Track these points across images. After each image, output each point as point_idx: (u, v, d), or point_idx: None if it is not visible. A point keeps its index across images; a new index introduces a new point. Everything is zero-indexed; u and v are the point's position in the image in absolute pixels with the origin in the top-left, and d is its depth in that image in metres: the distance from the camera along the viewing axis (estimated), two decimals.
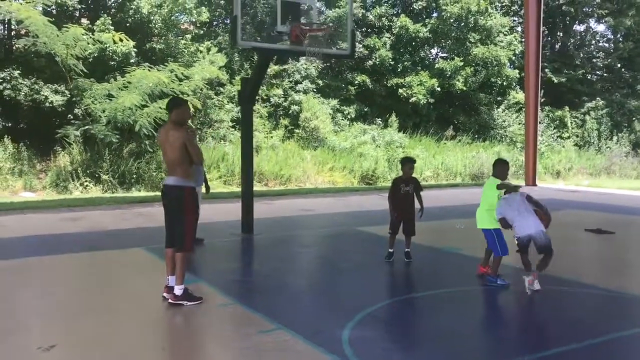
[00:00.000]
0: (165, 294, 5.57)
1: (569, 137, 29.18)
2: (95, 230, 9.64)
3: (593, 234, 10.13)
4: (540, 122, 27.85)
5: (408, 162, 7.47)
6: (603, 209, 13.82)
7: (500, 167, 6.67)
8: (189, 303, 5.46)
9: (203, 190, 8.56)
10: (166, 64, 18.20)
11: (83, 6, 20.38)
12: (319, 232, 10.24)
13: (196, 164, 5.64)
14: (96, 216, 11.18)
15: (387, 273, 7.13)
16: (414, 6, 28.23)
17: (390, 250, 7.48)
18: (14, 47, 19.05)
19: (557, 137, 28.82)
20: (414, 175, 7.53)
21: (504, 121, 28.55)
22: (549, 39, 34.46)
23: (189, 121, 5.89)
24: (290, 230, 10.23)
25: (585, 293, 6.25)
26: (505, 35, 29.36)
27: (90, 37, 17.13)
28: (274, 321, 5.02)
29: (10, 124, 17.65)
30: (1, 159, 16.07)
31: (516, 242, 6.09)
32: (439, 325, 5.16)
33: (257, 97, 23.11)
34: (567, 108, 29.90)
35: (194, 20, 22.37)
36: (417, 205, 7.35)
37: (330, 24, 8.36)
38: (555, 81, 30.45)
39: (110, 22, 18.78)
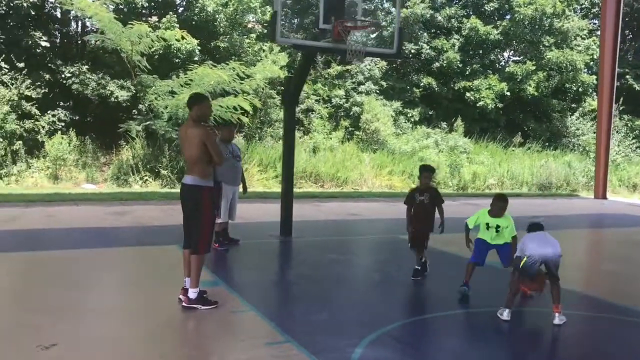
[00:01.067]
0: (181, 296, 5.44)
1: None
2: (137, 226, 9.73)
3: None
4: (617, 132, 26.33)
5: (425, 171, 6.90)
6: None
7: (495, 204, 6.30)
8: (202, 307, 5.30)
9: (240, 189, 8.41)
10: (228, 62, 18.34)
11: (152, 3, 20.90)
12: (359, 239, 9.93)
13: (216, 164, 5.45)
14: (144, 211, 11.31)
15: (418, 287, 6.74)
16: (486, 7, 27.26)
17: (417, 267, 6.95)
18: (84, 43, 19.73)
19: (637, 147, 27.07)
20: (432, 184, 7.14)
21: (578, 129, 27.12)
22: (633, 44, 32.47)
23: (209, 119, 5.68)
24: (330, 234, 9.96)
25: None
26: (583, 39, 27.91)
27: (155, 35, 17.46)
28: (285, 333, 4.78)
29: (77, 117, 18.28)
30: (66, 150, 16.63)
31: (522, 262, 5.27)
32: (462, 349, 4.77)
33: (318, 98, 23.04)
34: None
35: (259, 19, 22.48)
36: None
37: (374, 21, 7.92)
38: (638, 88, 28.61)
39: (176, 20, 19.16)
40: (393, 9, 25.61)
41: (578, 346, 5.06)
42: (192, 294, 5.31)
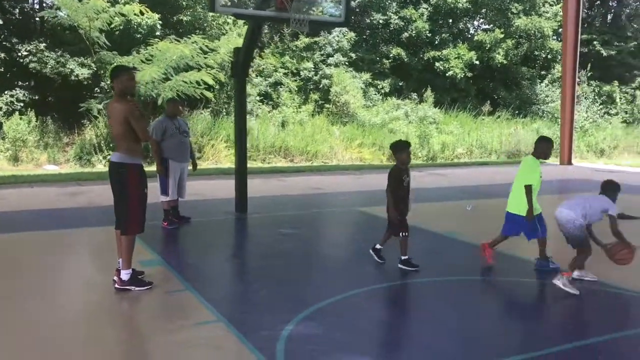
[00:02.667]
0: (115, 277, 5.33)
1: (617, 114, 27.59)
2: (87, 207, 9.54)
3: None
4: (585, 98, 26.48)
5: (406, 148, 6.10)
6: (637, 191, 12.86)
7: (542, 146, 6.18)
8: (136, 288, 5.20)
9: (190, 167, 8.25)
10: (190, 36, 17.97)
11: None
12: (317, 213, 9.85)
13: (142, 140, 5.25)
14: (101, 191, 11.07)
15: (365, 260, 6.70)
16: None
17: (378, 246, 6.40)
18: (42, 20, 19.19)
19: (604, 113, 27.28)
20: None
21: (547, 96, 27.22)
22: (601, 9, 32.55)
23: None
24: (287, 210, 9.86)
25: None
26: (551, 5, 27.86)
27: (113, 10, 16.99)
28: (218, 313, 4.71)
29: (37, 97, 17.85)
30: (25, 131, 16.25)
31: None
32: (398, 321, 4.76)
33: (286, 71, 22.72)
34: (616, 83, 28.21)
35: None
36: None
37: None
38: (605, 54, 28.76)
39: None
40: None
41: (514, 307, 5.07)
42: (125, 275, 5.20)
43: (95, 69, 17.69)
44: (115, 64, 16.60)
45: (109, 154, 16.53)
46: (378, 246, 6.44)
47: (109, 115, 5.26)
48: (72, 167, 16.31)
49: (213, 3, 7.09)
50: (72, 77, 17.63)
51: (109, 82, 16.87)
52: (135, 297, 5.09)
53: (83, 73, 17.71)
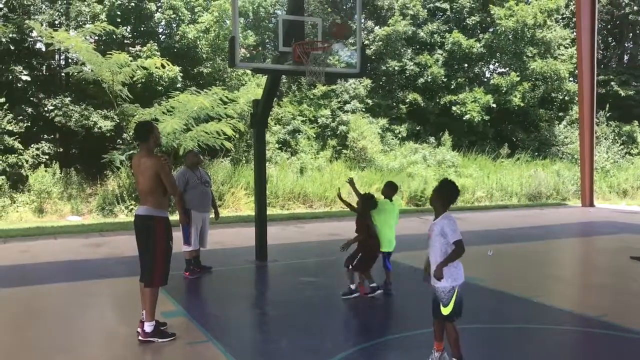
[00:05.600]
0: (139, 329, 5.36)
1: (638, 154, 27.35)
2: (110, 257, 9.65)
3: (638, 261, 9.22)
4: (605, 138, 26.36)
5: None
6: None
7: (384, 188, 7.01)
8: (159, 340, 5.23)
9: (212, 215, 8.35)
10: (211, 87, 18.40)
11: (135, 33, 21.05)
12: (336, 260, 9.80)
13: (171, 195, 5.41)
14: (123, 241, 11.22)
15: (389, 309, 6.67)
16: (467, 21, 27.49)
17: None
18: (67, 76, 19.82)
19: (625, 153, 27.07)
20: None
21: (566, 137, 27.13)
22: (617, 50, 32.70)
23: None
24: (306, 257, 9.87)
25: (595, 333, 5.55)
26: (566, 48, 28.06)
27: (135, 64, 17.53)
28: None
29: (61, 150, 18.30)
30: (50, 183, 16.59)
31: (453, 295, 4.47)
32: None
33: (304, 119, 23.06)
34: (636, 122, 28.08)
35: (241, 43, 22.60)
36: None
37: (331, 42, 7.92)
38: (623, 94, 28.71)
39: (157, 49, 19.30)
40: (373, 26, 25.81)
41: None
42: (148, 327, 5.23)
43: (117, 121, 18.13)
44: (137, 116, 17.06)
45: (131, 204, 16.80)
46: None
47: (136, 169, 5.37)
48: (94, 217, 16.53)
49: (233, 58, 7.31)
50: (96, 130, 18.09)
51: (132, 134, 17.29)
52: (159, 349, 5.11)
53: (106, 125, 18.17)
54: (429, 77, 25.82)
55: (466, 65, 27.51)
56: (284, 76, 23.79)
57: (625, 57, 32.84)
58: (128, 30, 20.65)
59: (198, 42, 20.54)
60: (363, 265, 6.83)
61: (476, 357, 4.87)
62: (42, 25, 18.02)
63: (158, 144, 5.45)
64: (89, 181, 18.38)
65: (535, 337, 5.53)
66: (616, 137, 27.35)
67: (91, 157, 18.34)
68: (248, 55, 22.81)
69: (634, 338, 5.39)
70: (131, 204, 16.82)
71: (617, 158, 26.30)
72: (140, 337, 5.26)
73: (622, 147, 27.09)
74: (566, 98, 27.76)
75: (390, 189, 7.09)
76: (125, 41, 20.52)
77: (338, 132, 23.33)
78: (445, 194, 4.54)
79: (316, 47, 7.55)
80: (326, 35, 8.21)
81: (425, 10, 27.26)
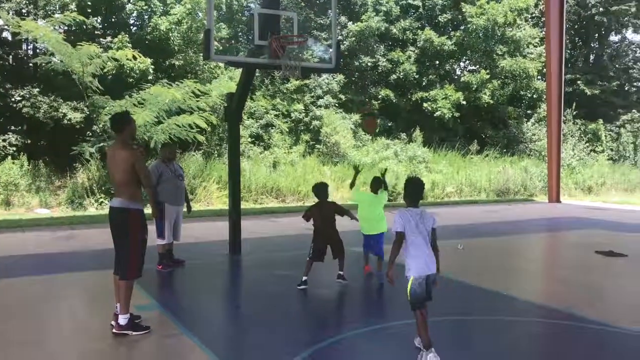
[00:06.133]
0: (113, 322, 5.35)
1: (603, 151, 28.09)
2: (82, 251, 9.55)
3: (603, 256, 9.51)
4: (572, 136, 26.97)
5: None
6: (625, 229, 13.07)
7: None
8: (134, 333, 5.22)
9: (185, 209, 8.34)
10: (183, 80, 18.24)
11: (105, 24, 20.75)
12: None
13: (146, 187, 5.39)
14: (93, 235, 11.11)
15: (363, 301, 6.77)
16: (439, 19, 27.79)
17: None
18: (35, 66, 19.42)
19: (591, 150, 27.77)
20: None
21: (534, 135, 27.71)
22: (583, 50, 33.44)
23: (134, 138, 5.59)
24: (281, 250, 9.93)
25: (561, 325, 5.74)
26: (535, 46, 28.60)
27: (106, 55, 17.28)
28: (217, 356, 4.73)
29: (29, 141, 17.94)
30: (17, 175, 16.28)
31: (408, 285, 4.66)
32: None
33: (277, 113, 23.04)
34: (601, 121, 28.85)
35: (214, 36, 22.46)
36: None
37: (308, 36, 7.98)
38: (589, 93, 29.43)
39: (129, 40, 19.04)
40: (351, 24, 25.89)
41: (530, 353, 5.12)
42: (122, 320, 5.22)
43: (88, 113, 17.86)
44: (107, 108, 16.83)
45: (101, 197, 16.59)
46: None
47: (111, 161, 5.34)
48: (64, 210, 16.27)
49: (208, 51, 7.30)
50: (65, 121, 17.79)
51: (102, 126, 17.07)
52: (133, 342, 5.11)
53: (76, 117, 17.87)
54: (401, 74, 26.06)
55: (437, 62, 27.84)
56: (257, 70, 23.90)
57: (591, 57, 33.61)
58: (99, 21, 20.36)
59: (170, 34, 20.33)
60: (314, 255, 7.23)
61: (448, 347, 4.99)
62: (8, 13, 17.61)
63: (133, 136, 5.43)
64: (57, 174, 18.06)
65: (504, 328, 5.68)
66: (582, 135, 28.01)
67: (60, 149, 18.02)
68: (221, 48, 22.68)
69: (597, 329, 5.58)
70: (101, 197, 16.62)
71: (583, 155, 26.95)
72: (114, 330, 5.24)
73: (587, 144, 27.76)
74: (534, 96, 28.33)
75: (375, 184, 7.87)
76: (96, 32, 20.21)
77: (311, 126, 23.38)
78: (406, 190, 4.88)
79: (292, 42, 7.58)
80: (301, 29, 8.25)
81: (398, 7, 27.46)
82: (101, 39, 19.35)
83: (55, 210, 16.39)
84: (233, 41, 25.57)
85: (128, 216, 5.22)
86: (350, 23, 26.23)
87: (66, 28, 19.34)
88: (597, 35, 33.14)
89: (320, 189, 7.36)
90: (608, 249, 9.97)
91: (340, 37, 24.87)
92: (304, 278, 7.12)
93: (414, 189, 4.88)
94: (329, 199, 7.59)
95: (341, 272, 7.34)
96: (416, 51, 26.97)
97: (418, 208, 4.83)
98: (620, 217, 15.46)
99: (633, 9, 30.49)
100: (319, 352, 4.85)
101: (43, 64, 17.69)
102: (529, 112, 29.02)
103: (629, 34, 33.27)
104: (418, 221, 4.71)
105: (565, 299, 6.76)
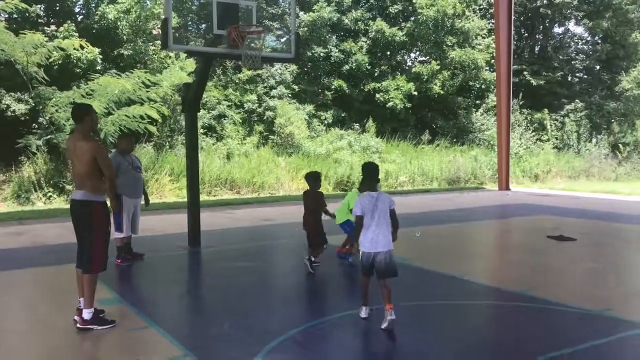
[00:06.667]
0: (76, 317, 5.22)
1: (548, 140, 29.01)
2: (34, 246, 9.25)
3: (555, 240, 9.87)
4: (519, 125, 27.76)
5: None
6: (572, 214, 13.59)
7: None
8: (98, 327, 5.11)
9: (143, 202, 8.18)
10: (133, 70, 17.82)
11: (49, 12, 20.02)
12: (269, 245, 9.92)
13: (108, 178, 5.26)
14: (44, 230, 10.78)
15: (325, 290, 6.83)
16: (390, 10, 28.01)
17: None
18: None
19: (537, 139, 28.65)
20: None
21: (483, 125, 28.36)
22: (529, 41, 34.38)
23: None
24: (240, 242, 9.88)
25: (524, 307, 5.95)
26: (483, 38, 29.23)
27: (52, 44, 16.69)
28: (184, 347, 4.69)
29: None
30: None
31: (360, 257, 5.34)
32: (363, 347, 4.87)
33: (230, 104, 22.82)
34: (546, 110, 29.77)
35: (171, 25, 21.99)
36: None
37: (266, 26, 7.94)
38: (534, 84, 30.32)
39: (75, 29, 18.45)
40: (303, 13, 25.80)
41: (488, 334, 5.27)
42: (87, 314, 5.11)
43: (33, 104, 17.23)
44: (54, 99, 16.30)
45: (49, 192, 16.09)
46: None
47: (72, 153, 5.20)
48: (10, 205, 15.69)
49: (166, 41, 7.16)
50: (9, 113, 17.10)
51: (48, 117, 16.52)
52: (99, 336, 5.00)
53: (20, 109, 17.20)
54: (354, 64, 26.18)
55: (389, 53, 28.10)
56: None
57: (537, 48, 34.58)
58: (42, 8, 19.62)
59: (118, 23, 19.79)
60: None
61: (409, 332, 5.11)
62: None
63: (94, 128, 5.30)
64: (2, 167, 17.38)
65: (463, 312, 5.84)
66: (528, 125, 28.85)
67: (4, 142, 17.32)
68: (177, 36, 22.23)
69: (552, 309, 5.81)
70: (49, 191, 16.10)
71: (529, 144, 27.77)
72: (78, 325, 5.12)
73: (533, 133, 28.60)
74: (482, 87, 28.96)
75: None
76: (40, 20, 19.47)
77: (265, 117, 23.26)
78: (363, 174, 5.50)
79: (251, 31, 7.51)
80: (260, 19, 8.19)
81: None
82: (46, 28, 18.65)
83: (1, 205, 15.79)
84: (182, 30, 25.12)
85: (91, 209, 5.10)
86: (302, 13, 26.16)
87: (7, 16, 18.56)
88: (541, 27, 34.13)
89: (309, 178, 7.64)
90: (558, 233, 10.35)
91: (278, 28, 24.78)
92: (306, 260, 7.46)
93: (369, 172, 5.39)
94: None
95: (313, 258, 7.45)
96: (368, 42, 27.13)
97: (376, 192, 5.27)
98: (566, 203, 16.05)
99: (575, 2, 31.52)
100: (286, 341, 4.87)
101: None
102: (477, 102, 29.66)
103: (572, 26, 34.40)
104: (375, 204, 5.16)
105: (519, 282, 6.99)
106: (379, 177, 5.52)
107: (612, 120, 31.22)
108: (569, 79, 33.54)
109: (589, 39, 34.55)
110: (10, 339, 5.00)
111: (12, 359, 4.54)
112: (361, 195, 5.28)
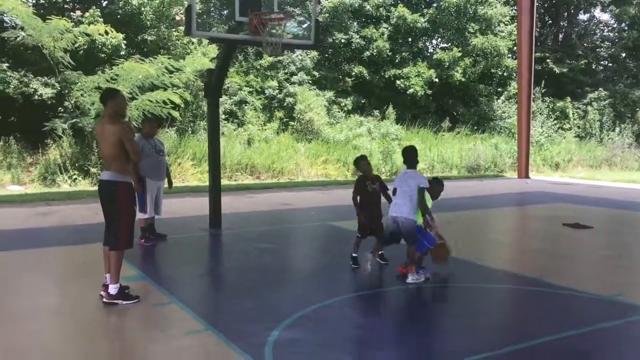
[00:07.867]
0: (102, 292, 5.47)
1: (570, 129, 28.75)
2: (62, 225, 9.57)
3: (570, 228, 9.92)
4: (540, 113, 27.54)
5: (362, 159, 6.88)
6: (590, 203, 13.57)
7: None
8: (124, 302, 5.36)
9: (166, 184, 8.42)
10: (156, 56, 18.07)
11: None
12: (288, 228, 10.12)
13: (134, 160, 5.49)
14: (71, 211, 11.12)
15: (340, 271, 6.99)
16: None
17: (355, 254, 6.90)
18: (3, 40, 18.98)
19: (558, 128, 28.40)
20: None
21: (504, 112, 28.18)
22: (552, 29, 33.95)
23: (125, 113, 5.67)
24: (260, 225, 10.10)
25: (536, 292, 6.06)
26: (506, 25, 28.98)
27: (78, 30, 17.00)
28: (206, 322, 4.91)
29: None
30: None
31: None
32: (377, 324, 5.05)
33: (251, 90, 23.02)
34: (569, 99, 29.44)
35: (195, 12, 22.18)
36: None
37: (289, 13, 8.05)
38: (557, 72, 30.00)
39: (100, 15, 18.74)
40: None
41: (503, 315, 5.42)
42: (113, 289, 5.36)
43: (59, 88, 17.60)
44: (79, 84, 16.64)
45: (75, 174, 16.47)
46: (354, 254, 6.91)
47: (99, 135, 5.43)
48: (36, 187, 16.11)
49: (189, 27, 7.34)
50: (36, 97, 17.51)
51: (73, 101, 16.88)
52: (124, 311, 5.25)
53: (47, 93, 17.60)
54: (375, 51, 26.17)
55: (410, 39, 28.01)
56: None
57: (560, 36, 34.15)
58: None
59: (142, 9, 20.03)
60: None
61: (429, 312, 5.28)
62: None
63: (121, 113, 5.50)
64: (29, 150, 17.83)
65: (479, 294, 5.98)
66: (550, 113, 28.60)
67: (32, 126, 17.75)
68: (200, 22, 22.43)
69: (565, 294, 5.92)
70: (74, 174, 16.49)
71: (551, 132, 27.56)
72: (104, 299, 5.37)
73: (555, 122, 28.36)
74: (505, 74, 28.74)
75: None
76: (66, 6, 19.80)
77: (285, 103, 23.42)
78: (402, 155, 6.70)
79: (273, 18, 7.65)
80: (281, 5, 8.32)
81: None
82: (72, 14, 18.97)
83: (28, 187, 16.22)
84: (205, 16, 25.31)
85: (117, 188, 5.34)
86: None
87: (34, 2, 18.92)
88: (566, 13, 33.66)
89: (359, 162, 6.91)
90: (574, 221, 10.39)
91: (300, 15, 24.82)
92: (354, 255, 6.91)
93: (405, 154, 6.57)
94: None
95: (380, 252, 6.99)
96: (389, 28, 27.08)
97: (408, 170, 6.49)
98: (585, 192, 16.00)
99: None
100: (302, 318, 5.07)
101: (12, 38, 17.29)
102: (499, 89, 29.45)
103: (597, 13, 33.88)
104: (401, 179, 6.43)
105: (535, 268, 7.10)
106: (415, 158, 6.47)
107: (637, 109, 30.77)
108: (593, 67, 33.07)
109: (615, 25, 33.99)
110: (43, 313, 5.26)
111: (45, 331, 4.79)
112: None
